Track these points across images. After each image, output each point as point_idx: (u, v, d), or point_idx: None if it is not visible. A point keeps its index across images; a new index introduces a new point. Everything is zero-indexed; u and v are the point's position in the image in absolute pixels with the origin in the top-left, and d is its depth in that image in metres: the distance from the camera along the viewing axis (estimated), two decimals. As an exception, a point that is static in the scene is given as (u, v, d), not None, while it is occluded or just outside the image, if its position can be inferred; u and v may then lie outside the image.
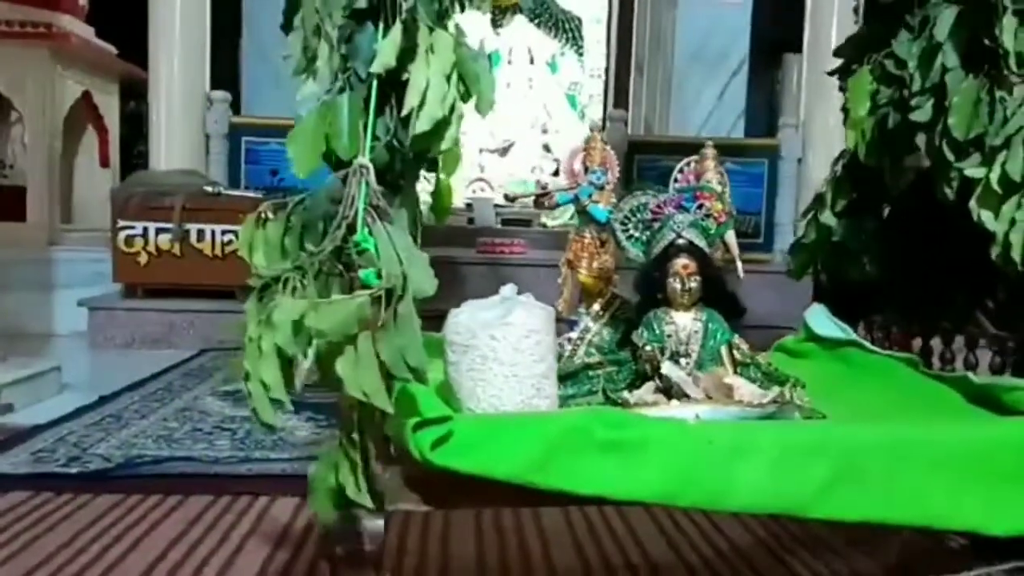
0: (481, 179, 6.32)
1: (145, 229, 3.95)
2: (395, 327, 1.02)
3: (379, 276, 1.04)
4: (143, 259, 3.98)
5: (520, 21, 6.79)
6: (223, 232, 4.00)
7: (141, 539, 1.78)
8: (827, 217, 1.95)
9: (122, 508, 1.95)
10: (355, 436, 1.08)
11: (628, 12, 6.32)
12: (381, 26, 1.21)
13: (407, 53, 1.19)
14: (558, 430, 1.08)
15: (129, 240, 3.98)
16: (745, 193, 4.58)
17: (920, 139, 1.67)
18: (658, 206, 1.50)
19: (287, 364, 1.04)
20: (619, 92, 6.21)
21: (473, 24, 1.48)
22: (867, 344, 1.67)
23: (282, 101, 5.44)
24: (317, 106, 1.23)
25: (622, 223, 1.53)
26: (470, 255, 4.61)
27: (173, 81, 4.31)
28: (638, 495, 1.09)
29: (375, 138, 1.18)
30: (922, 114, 1.64)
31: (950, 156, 1.59)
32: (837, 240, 1.94)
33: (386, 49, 1.17)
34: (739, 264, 1.66)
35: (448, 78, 1.19)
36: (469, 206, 5.83)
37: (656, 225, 1.49)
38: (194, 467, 2.25)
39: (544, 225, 5.64)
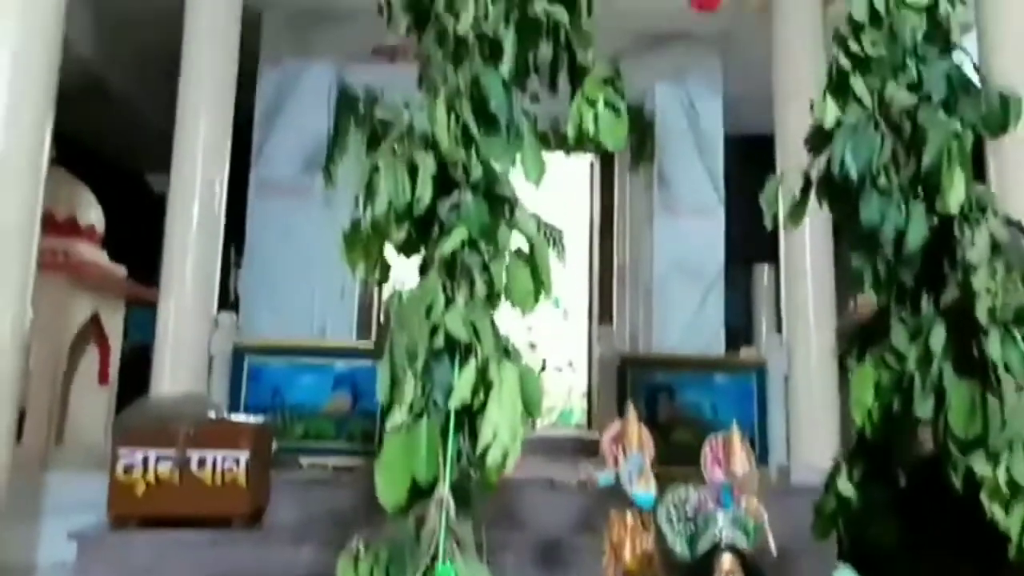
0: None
1: (145, 459, 3.91)
2: None
3: None
4: (140, 489, 3.91)
5: (504, 226, 7.25)
6: (223, 459, 3.98)
7: None
8: (845, 487, 2.00)
9: None
10: None
11: (608, 227, 6.79)
12: (457, 360, 1.47)
13: (479, 386, 1.44)
14: None
15: (128, 469, 3.92)
16: (737, 408, 4.72)
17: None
18: (699, 501, 1.69)
19: None
20: (603, 302, 6.52)
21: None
22: None
23: (279, 322, 5.58)
24: (400, 435, 1.44)
25: (668, 518, 1.67)
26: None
27: (184, 307, 4.44)
28: None
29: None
30: (924, 410, 1.75)
31: (955, 451, 1.67)
32: (856, 507, 1.97)
33: (463, 386, 1.43)
34: (772, 544, 1.81)
35: (514, 404, 1.42)
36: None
37: (699, 519, 1.64)
38: None
39: None
